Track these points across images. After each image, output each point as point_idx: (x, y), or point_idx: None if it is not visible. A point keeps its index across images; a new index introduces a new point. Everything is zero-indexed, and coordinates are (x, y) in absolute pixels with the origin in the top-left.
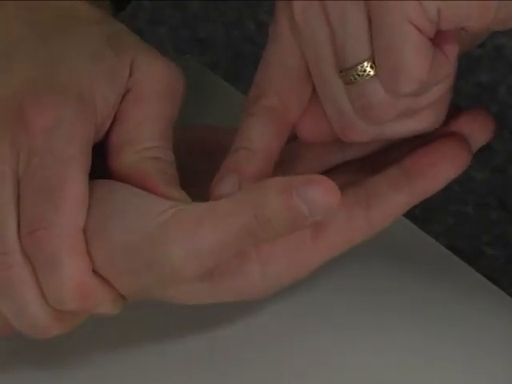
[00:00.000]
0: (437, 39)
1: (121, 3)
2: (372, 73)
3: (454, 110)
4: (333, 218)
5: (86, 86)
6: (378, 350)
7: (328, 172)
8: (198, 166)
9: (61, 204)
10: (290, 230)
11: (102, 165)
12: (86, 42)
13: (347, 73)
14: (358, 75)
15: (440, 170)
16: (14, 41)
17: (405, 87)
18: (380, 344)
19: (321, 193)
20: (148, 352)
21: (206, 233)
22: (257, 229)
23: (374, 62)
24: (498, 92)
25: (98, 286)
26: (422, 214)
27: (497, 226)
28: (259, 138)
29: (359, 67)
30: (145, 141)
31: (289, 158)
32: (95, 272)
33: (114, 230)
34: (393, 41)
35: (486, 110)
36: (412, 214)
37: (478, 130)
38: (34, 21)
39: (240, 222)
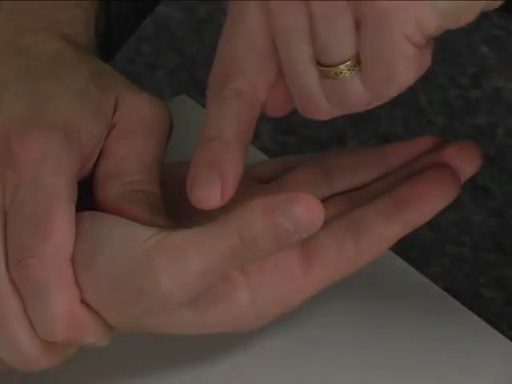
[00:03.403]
0: None
1: (109, 52)
2: (353, 73)
3: (443, 142)
4: (322, 249)
5: (72, 122)
6: None
7: None
8: (185, 201)
9: (48, 234)
10: (276, 248)
11: (89, 200)
12: (71, 80)
13: (327, 69)
14: (341, 73)
15: (428, 201)
16: (2, 83)
17: (392, 93)
18: None
19: (304, 209)
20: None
21: (192, 257)
22: (242, 250)
23: (356, 61)
24: (495, 134)
25: (87, 316)
26: (418, 257)
27: (494, 268)
28: (232, 125)
29: (341, 66)
30: (129, 174)
31: (276, 192)
32: (83, 302)
33: (100, 261)
34: (387, 54)
35: (480, 148)
36: (408, 256)
37: (465, 162)
38: (21, 64)
39: (225, 244)
